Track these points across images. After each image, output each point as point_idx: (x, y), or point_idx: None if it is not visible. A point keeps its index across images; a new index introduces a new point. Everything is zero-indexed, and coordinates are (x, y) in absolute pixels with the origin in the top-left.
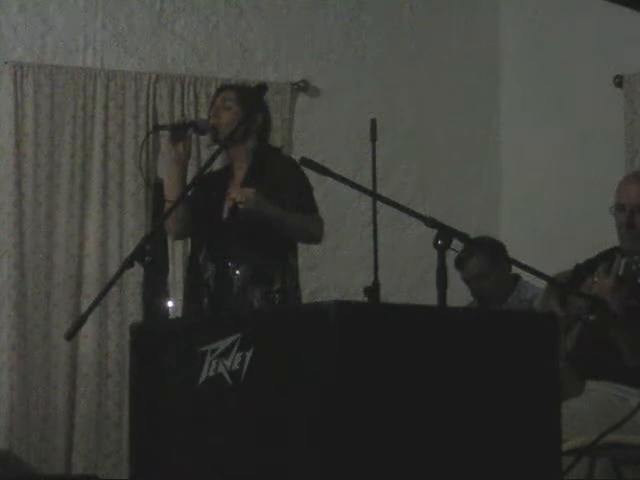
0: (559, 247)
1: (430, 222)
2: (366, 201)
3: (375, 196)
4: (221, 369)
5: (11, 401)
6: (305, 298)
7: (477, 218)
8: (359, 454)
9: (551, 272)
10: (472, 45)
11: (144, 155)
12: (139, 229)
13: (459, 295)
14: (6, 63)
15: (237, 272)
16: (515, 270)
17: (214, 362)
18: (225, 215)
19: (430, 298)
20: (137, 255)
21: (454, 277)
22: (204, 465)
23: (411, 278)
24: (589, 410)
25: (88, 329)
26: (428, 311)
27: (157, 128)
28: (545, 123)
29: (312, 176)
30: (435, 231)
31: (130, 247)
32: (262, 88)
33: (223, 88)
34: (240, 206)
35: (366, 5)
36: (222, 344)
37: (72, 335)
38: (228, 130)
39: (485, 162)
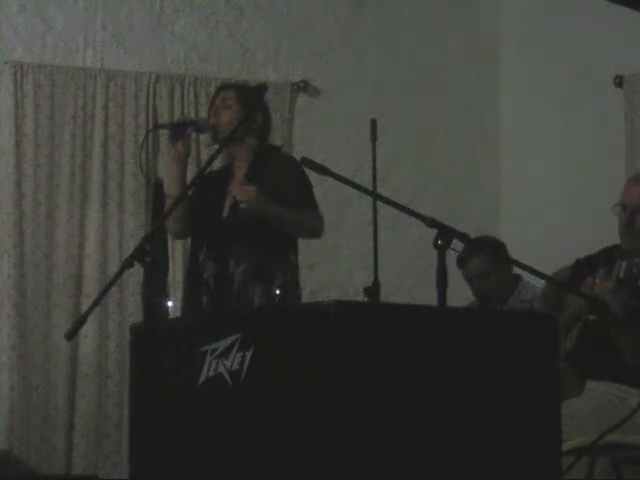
0: (559, 247)
1: (430, 222)
2: (366, 201)
3: (375, 196)
4: (221, 369)
5: (11, 401)
6: (305, 297)
7: (477, 218)
8: (359, 454)
9: (551, 272)
10: (472, 45)
11: (144, 154)
12: (139, 229)
13: (459, 295)
14: (6, 63)
15: (237, 270)
16: (516, 270)
17: (214, 362)
18: (225, 213)
19: (430, 298)
20: (137, 255)
21: (454, 277)
22: (204, 465)
23: (411, 278)
24: (589, 410)
25: (88, 329)
26: (428, 311)
27: (157, 127)
28: (545, 123)
29: (312, 176)
30: (435, 231)
31: (130, 247)
32: (262, 88)
33: (223, 87)
34: (242, 205)
35: (366, 5)
36: (222, 344)
37: (72, 335)
38: (228, 129)
39: (485, 162)
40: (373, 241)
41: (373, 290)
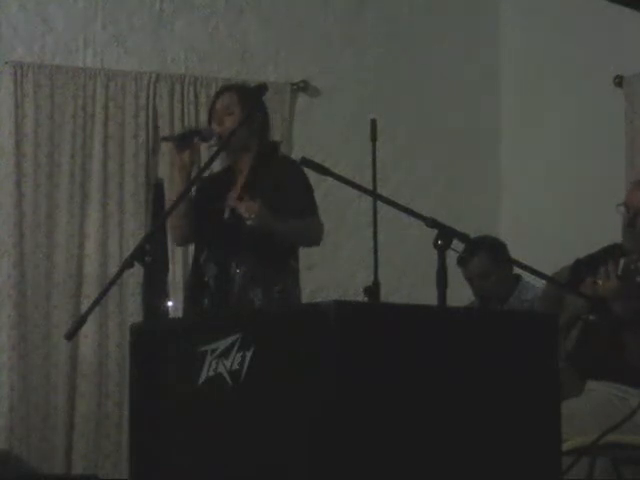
0: (559, 247)
1: (430, 222)
2: (366, 201)
3: (375, 196)
4: (221, 369)
5: (11, 401)
6: (305, 298)
7: (477, 218)
8: (359, 454)
9: (551, 272)
10: (472, 45)
11: (143, 154)
12: (139, 229)
13: (459, 295)
14: (6, 63)
15: (238, 272)
16: (516, 270)
17: (214, 362)
18: (226, 216)
19: (430, 298)
20: (137, 255)
21: (454, 277)
22: (204, 465)
23: (411, 278)
24: (589, 410)
25: (88, 329)
26: (428, 311)
27: (162, 140)
28: (545, 123)
29: (312, 176)
30: (435, 231)
31: (130, 247)
32: (262, 88)
33: (223, 91)
34: (248, 222)
35: (366, 5)
36: (222, 344)
37: (72, 335)
38: (233, 134)
39: (485, 162)
40: (373, 241)
41: (373, 290)
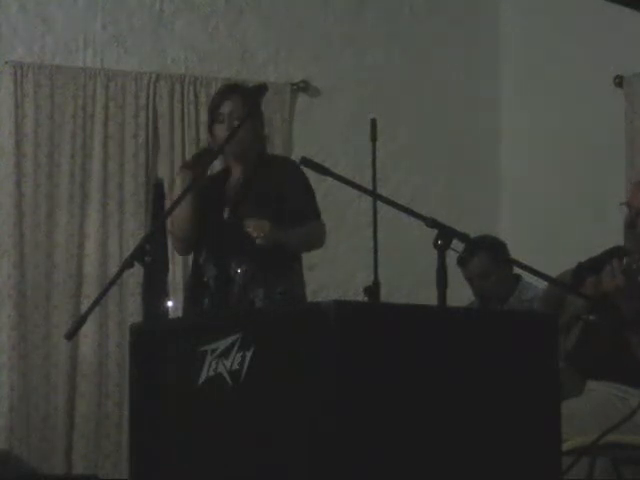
0: (559, 247)
1: (430, 222)
2: (366, 201)
3: (375, 196)
4: (221, 369)
5: (11, 401)
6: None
7: (477, 218)
8: (359, 454)
9: (551, 272)
10: (472, 45)
11: (143, 154)
12: (139, 229)
13: (459, 295)
14: (6, 63)
15: (238, 271)
16: (516, 270)
17: (214, 362)
18: (226, 216)
19: (430, 298)
20: (137, 255)
21: (454, 277)
22: (204, 465)
23: (411, 278)
24: (589, 410)
25: (88, 329)
26: (428, 311)
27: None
28: (545, 123)
29: (312, 176)
30: (435, 231)
31: (130, 247)
32: (262, 88)
33: (227, 93)
34: (257, 241)
35: (366, 5)
36: (222, 344)
37: (72, 335)
38: (245, 142)
39: (485, 162)
40: (373, 241)
41: (373, 290)
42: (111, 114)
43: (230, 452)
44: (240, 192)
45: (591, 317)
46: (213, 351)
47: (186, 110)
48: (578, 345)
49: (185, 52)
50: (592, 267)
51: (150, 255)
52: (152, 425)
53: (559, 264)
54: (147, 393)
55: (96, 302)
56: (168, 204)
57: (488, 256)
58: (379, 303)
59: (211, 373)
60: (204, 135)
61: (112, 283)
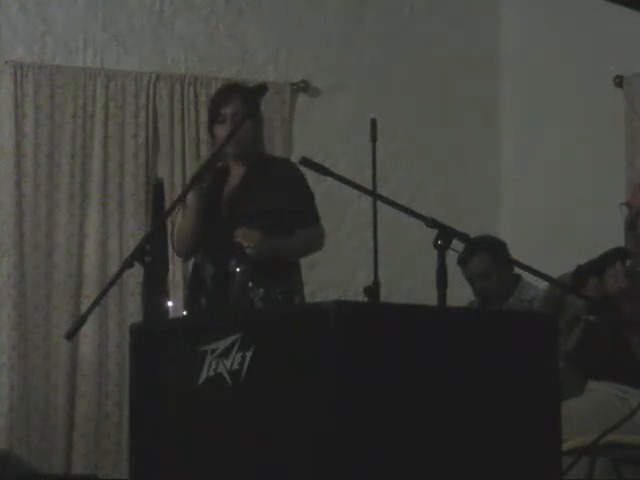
0: (559, 247)
1: (430, 222)
2: (366, 201)
3: (375, 196)
4: (221, 369)
5: (11, 401)
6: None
7: (477, 218)
8: (359, 454)
9: (551, 272)
10: (472, 45)
11: (143, 154)
12: (139, 229)
13: (459, 295)
14: (6, 63)
15: (238, 270)
16: (516, 270)
17: (214, 362)
18: (224, 215)
19: (430, 298)
20: (137, 255)
21: (454, 277)
22: (204, 465)
23: (411, 278)
24: (589, 410)
25: (88, 329)
26: (428, 311)
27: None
28: (545, 123)
29: (312, 176)
30: (435, 231)
31: (130, 247)
32: (262, 88)
33: (229, 93)
34: (247, 251)
35: (366, 5)
36: (222, 344)
37: (72, 335)
38: (247, 143)
39: (485, 162)
40: (373, 241)
41: (373, 290)
42: (111, 114)
43: (230, 452)
44: (239, 192)
45: (591, 317)
46: (213, 351)
47: (186, 110)
48: (578, 345)
49: (185, 52)
50: (592, 269)
51: (150, 255)
52: (152, 425)
53: (559, 264)
54: (147, 393)
55: (96, 302)
56: (168, 204)
57: (488, 256)
58: (379, 303)
59: (211, 373)
60: (204, 135)
61: (112, 283)
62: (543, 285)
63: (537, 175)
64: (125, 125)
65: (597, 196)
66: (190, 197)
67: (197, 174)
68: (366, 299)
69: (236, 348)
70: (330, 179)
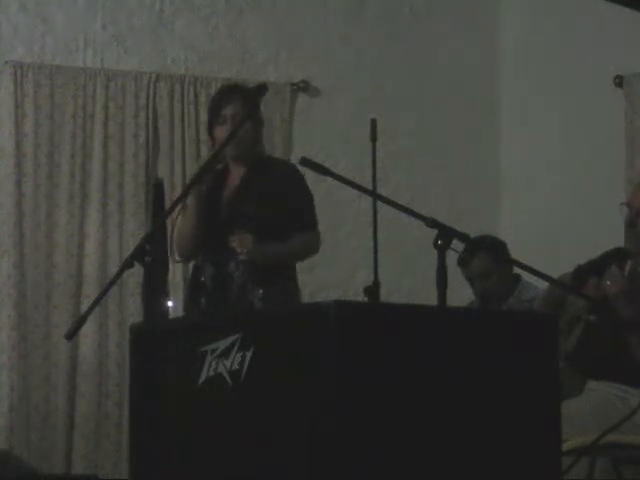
0: (559, 247)
1: (430, 222)
2: (366, 201)
3: (375, 196)
4: (221, 369)
5: (11, 401)
6: (305, 298)
7: (477, 218)
8: (359, 454)
9: (551, 272)
10: (472, 45)
11: (143, 154)
12: (139, 229)
13: (459, 295)
14: (6, 63)
15: (237, 271)
16: (516, 270)
17: (214, 362)
18: (224, 216)
19: (430, 298)
20: (137, 255)
21: (454, 277)
22: (204, 465)
23: (411, 278)
24: (589, 410)
25: (88, 329)
26: (428, 311)
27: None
28: (545, 123)
29: (312, 176)
30: (435, 231)
31: (130, 247)
32: (262, 88)
33: (229, 94)
34: (241, 257)
35: (366, 5)
36: (222, 344)
37: (72, 335)
38: (248, 144)
39: (485, 162)
40: (373, 241)
41: (373, 290)
42: (111, 114)
43: (230, 452)
44: (239, 193)
45: (591, 317)
46: (213, 351)
47: (186, 110)
48: (578, 345)
49: (185, 52)
50: (591, 270)
51: (150, 255)
52: (152, 425)
53: (559, 264)
54: (147, 393)
55: (96, 302)
56: (168, 204)
57: (488, 256)
58: (379, 303)
59: (211, 373)
60: (204, 135)
61: (112, 283)
62: (543, 285)
63: (537, 175)
64: (125, 125)
65: (597, 196)
66: (189, 199)
67: (196, 176)
68: (366, 299)
69: (236, 348)
70: (330, 179)
